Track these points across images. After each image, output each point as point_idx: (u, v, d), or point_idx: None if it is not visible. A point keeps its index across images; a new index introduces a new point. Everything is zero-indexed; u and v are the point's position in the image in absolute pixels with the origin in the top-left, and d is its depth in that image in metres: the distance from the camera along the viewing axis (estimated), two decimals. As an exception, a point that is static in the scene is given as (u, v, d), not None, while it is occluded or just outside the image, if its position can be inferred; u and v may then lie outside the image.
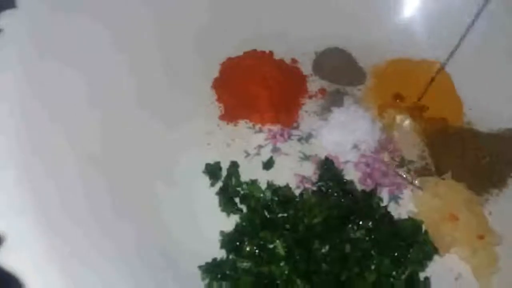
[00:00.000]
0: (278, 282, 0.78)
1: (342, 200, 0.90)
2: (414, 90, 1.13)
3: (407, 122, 1.09)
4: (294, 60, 1.16)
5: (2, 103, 0.72)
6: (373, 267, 0.82)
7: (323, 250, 0.82)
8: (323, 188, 0.93)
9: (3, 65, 0.79)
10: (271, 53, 1.14)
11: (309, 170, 1.01)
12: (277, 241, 0.82)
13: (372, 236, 0.85)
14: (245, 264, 0.80)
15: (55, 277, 0.60)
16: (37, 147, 0.73)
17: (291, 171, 1.01)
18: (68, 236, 0.68)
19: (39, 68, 0.84)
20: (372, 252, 0.83)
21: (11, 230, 0.58)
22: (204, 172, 0.99)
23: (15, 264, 0.57)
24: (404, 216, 0.94)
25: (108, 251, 0.76)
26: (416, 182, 1.01)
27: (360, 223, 0.86)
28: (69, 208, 0.73)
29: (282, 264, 0.79)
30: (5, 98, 0.73)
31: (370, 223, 0.87)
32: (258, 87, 1.08)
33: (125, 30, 1.01)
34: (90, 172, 0.85)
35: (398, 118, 1.09)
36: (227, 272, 0.81)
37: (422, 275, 0.87)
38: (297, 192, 0.96)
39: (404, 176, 1.02)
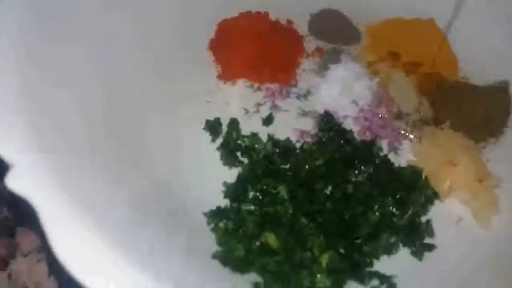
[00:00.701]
0: (284, 220, 0.78)
1: (344, 147, 0.90)
2: (408, 48, 1.14)
3: (403, 77, 1.10)
4: (289, 21, 1.16)
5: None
6: (376, 207, 0.83)
7: (326, 190, 0.82)
8: (323, 138, 0.94)
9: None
10: (266, 14, 1.15)
11: (308, 125, 1.02)
12: (280, 186, 0.83)
13: (374, 181, 0.86)
14: (249, 207, 0.81)
15: (64, 203, 0.60)
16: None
17: (291, 127, 1.01)
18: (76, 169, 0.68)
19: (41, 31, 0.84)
20: (375, 193, 0.84)
21: (19, 156, 0.58)
22: (204, 128, 0.99)
23: (25, 190, 0.57)
24: (404, 165, 0.96)
25: (117, 194, 0.76)
26: (414, 133, 1.02)
27: (362, 168, 0.87)
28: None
29: (286, 204, 0.80)
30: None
31: (371, 169, 0.87)
32: (255, 46, 1.08)
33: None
34: (94, 129, 0.86)
35: (393, 73, 1.10)
36: (232, 217, 0.82)
37: (423, 219, 0.89)
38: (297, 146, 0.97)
39: (402, 128, 1.03)
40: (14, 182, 0.57)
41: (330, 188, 0.83)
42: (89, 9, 0.96)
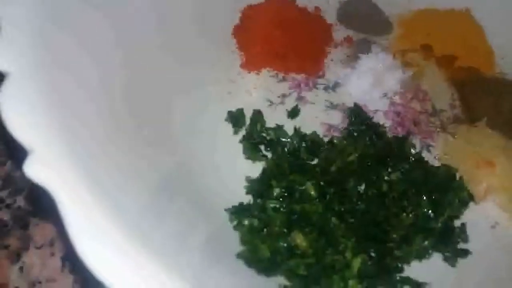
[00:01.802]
0: (313, 219, 0.73)
1: (376, 142, 0.85)
2: (442, 40, 1.09)
3: (436, 71, 1.04)
4: (317, 9, 1.11)
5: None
6: (410, 208, 0.78)
7: (358, 189, 0.77)
8: (354, 133, 0.89)
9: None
10: (293, 0, 1.09)
11: (337, 119, 0.97)
12: (308, 182, 0.78)
13: (408, 179, 0.81)
14: (275, 204, 0.76)
15: (84, 191, 0.56)
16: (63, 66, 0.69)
17: (318, 120, 0.96)
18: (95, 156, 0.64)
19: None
20: (409, 193, 0.79)
21: (39, 141, 0.54)
22: (226, 119, 0.94)
23: (44, 178, 0.53)
24: (437, 164, 0.90)
25: (136, 182, 0.72)
26: (449, 130, 0.96)
27: (395, 165, 0.82)
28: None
29: (315, 202, 0.75)
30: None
31: (405, 166, 0.82)
32: (281, 34, 1.03)
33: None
34: (115, 113, 0.82)
35: (427, 67, 1.05)
36: (256, 213, 0.77)
37: (457, 222, 0.84)
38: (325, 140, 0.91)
39: (436, 124, 0.98)
40: (33, 169, 0.53)
41: (363, 186, 0.77)
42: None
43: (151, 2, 0.98)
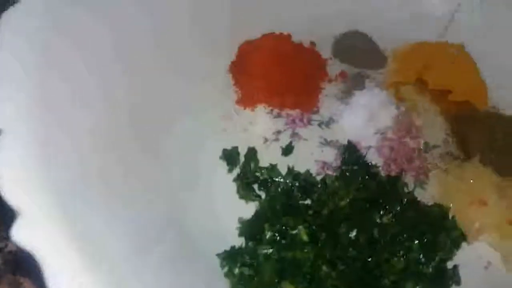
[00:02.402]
0: (303, 268, 0.74)
1: (369, 183, 0.86)
2: (436, 75, 1.09)
3: (430, 106, 1.05)
4: (312, 44, 1.12)
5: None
6: (401, 252, 0.78)
7: (350, 235, 0.78)
8: (347, 173, 0.89)
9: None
10: (289, 35, 1.10)
11: (330, 155, 0.98)
12: (300, 226, 0.79)
13: (399, 222, 0.82)
14: (266, 250, 0.77)
15: (71, 255, 0.57)
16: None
17: (312, 157, 0.97)
18: (83, 216, 0.65)
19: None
20: (401, 237, 0.80)
21: (26, 206, 0.56)
22: (221, 157, 0.95)
23: (30, 241, 0.54)
24: (430, 202, 0.91)
25: (124, 236, 0.73)
26: (442, 166, 0.97)
27: (387, 207, 0.83)
28: (83, 189, 0.71)
29: (306, 249, 0.76)
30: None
31: (397, 208, 0.83)
32: (276, 70, 1.04)
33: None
34: (107, 155, 0.84)
35: (421, 102, 1.05)
36: (247, 259, 0.78)
37: (450, 264, 0.84)
38: (318, 178, 0.92)
39: (429, 161, 0.98)
40: (21, 235, 0.54)
41: (354, 231, 0.78)
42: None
43: (152, 37, 1.00)
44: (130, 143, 0.89)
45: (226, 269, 0.78)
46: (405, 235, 0.80)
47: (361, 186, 0.85)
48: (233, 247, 0.81)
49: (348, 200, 0.81)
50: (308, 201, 0.87)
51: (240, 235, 0.84)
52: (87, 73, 0.83)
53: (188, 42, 1.06)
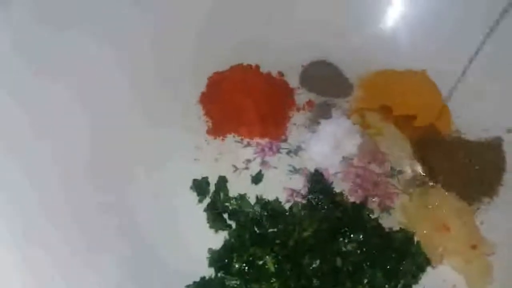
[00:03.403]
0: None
1: (333, 212, 0.88)
2: (401, 101, 1.12)
3: (395, 131, 1.08)
4: (280, 73, 1.15)
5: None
6: (365, 281, 0.80)
7: (314, 265, 0.80)
8: (313, 201, 0.92)
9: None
10: (257, 66, 1.13)
11: (299, 183, 1.00)
12: (267, 257, 0.80)
13: (364, 249, 0.84)
14: (234, 282, 0.78)
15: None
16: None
17: (281, 185, 1.00)
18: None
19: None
20: (364, 265, 0.82)
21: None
22: (191, 188, 0.97)
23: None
24: (396, 226, 0.93)
25: (90, 274, 0.75)
26: (407, 192, 1.00)
27: (351, 236, 0.85)
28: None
29: (272, 280, 0.77)
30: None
31: (361, 236, 0.85)
32: (246, 100, 1.07)
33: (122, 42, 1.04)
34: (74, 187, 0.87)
35: (386, 128, 1.09)
36: (216, 291, 0.79)
37: (415, 288, 0.86)
38: (287, 206, 0.94)
39: (395, 186, 1.01)
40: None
41: (318, 261, 0.80)
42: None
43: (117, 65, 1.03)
44: (101, 176, 0.92)
45: (195, 302, 0.79)
46: (368, 262, 0.81)
47: (326, 216, 0.86)
48: (202, 278, 0.82)
49: (311, 231, 0.83)
50: (275, 230, 0.89)
51: (209, 265, 0.85)
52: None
53: (160, 74, 1.09)
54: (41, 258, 0.79)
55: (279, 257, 0.80)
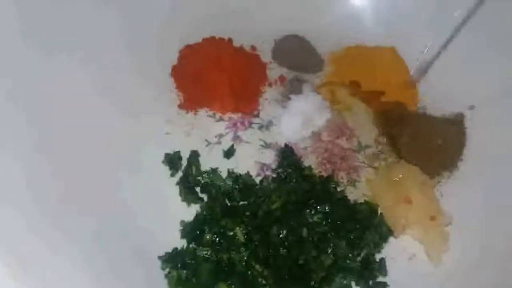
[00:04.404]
0: (237, 268, 0.79)
1: (300, 185, 0.91)
2: (369, 77, 1.15)
3: (362, 107, 1.11)
4: (253, 48, 1.16)
5: None
6: (329, 250, 0.85)
7: (281, 235, 0.83)
8: (282, 175, 0.95)
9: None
10: (230, 40, 1.14)
11: (270, 157, 1.03)
12: (237, 228, 0.84)
13: (329, 220, 0.88)
14: (205, 252, 0.81)
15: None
16: None
17: (252, 159, 1.02)
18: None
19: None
20: (329, 235, 0.86)
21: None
22: (163, 162, 0.98)
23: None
24: (361, 199, 0.98)
25: (65, 241, 0.77)
26: (372, 165, 1.04)
27: (318, 207, 0.88)
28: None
29: (241, 250, 0.81)
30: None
31: (327, 207, 0.89)
32: (218, 74, 1.08)
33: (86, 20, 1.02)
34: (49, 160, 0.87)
35: (354, 103, 1.12)
36: (187, 261, 0.82)
37: (377, 256, 0.91)
38: (258, 179, 0.97)
39: (361, 160, 1.05)
40: None
41: (285, 232, 0.84)
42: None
43: (91, 47, 1.02)
44: (76, 151, 0.92)
45: (166, 270, 0.81)
46: (333, 233, 0.85)
47: (293, 188, 0.90)
48: (175, 249, 0.85)
49: (280, 203, 0.86)
50: (246, 203, 0.92)
51: (182, 237, 0.88)
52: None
53: (131, 46, 1.08)
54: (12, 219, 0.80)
55: (249, 228, 0.83)
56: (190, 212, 0.93)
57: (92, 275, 0.79)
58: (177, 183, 0.96)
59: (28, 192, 0.83)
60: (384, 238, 0.92)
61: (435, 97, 1.13)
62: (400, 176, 0.99)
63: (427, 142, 1.07)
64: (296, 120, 1.05)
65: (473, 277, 0.91)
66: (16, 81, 0.90)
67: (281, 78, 1.13)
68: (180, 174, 0.98)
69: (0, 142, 0.84)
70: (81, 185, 0.91)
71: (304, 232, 0.84)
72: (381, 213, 0.95)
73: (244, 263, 0.80)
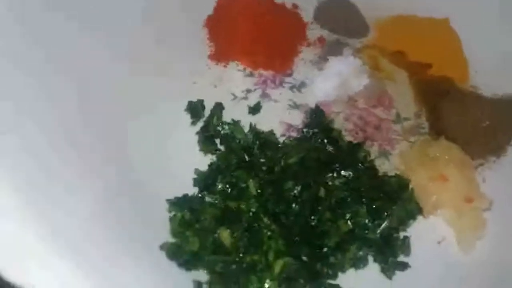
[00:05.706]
0: (244, 217, 0.74)
1: (325, 146, 0.84)
2: (418, 48, 1.07)
3: (406, 78, 1.03)
4: (295, 5, 1.09)
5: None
6: (348, 216, 0.77)
7: (295, 191, 0.77)
8: (306, 134, 0.88)
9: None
10: (271, -6, 1.08)
11: (298, 119, 0.96)
12: (251, 180, 0.78)
13: (351, 186, 0.80)
14: (213, 199, 0.76)
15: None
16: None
17: (278, 118, 0.96)
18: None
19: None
20: (349, 199, 0.79)
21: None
22: (186, 110, 0.94)
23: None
24: (392, 172, 0.90)
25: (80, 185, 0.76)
26: (409, 139, 0.95)
27: (341, 172, 0.81)
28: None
29: (251, 201, 0.75)
30: None
31: (351, 174, 0.81)
32: (253, 28, 1.02)
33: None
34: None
35: (397, 73, 1.03)
36: (194, 207, 0.77)
37: (401, 235, 0.83)
38: (281, 140, 0.91)
39: (397, 132, 0.96)
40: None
41: (299, 188, 0.77)
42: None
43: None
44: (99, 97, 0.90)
45: (172, 214, 0.77)
46: (354, 198, 0.78)
47: (315, 148, 0.83)
48: (185, 195, 0.80)
49: (297, 158, 0.79)
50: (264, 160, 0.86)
51: (194, 185, 0.83)
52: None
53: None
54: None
55: (262, 182, 0.77)
56: (206, 162, 0.88)
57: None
58: (197, 132, 0.91)
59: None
60: (412, 216, 0.84)
61: (487, 76, 1.03)
62: (438, 153, 0.90)
63: (473, 121, 0.97)
64: (332, 81, 0.97)
65: (506, 273, 0.81)
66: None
67: (321, 40, 1.06)
68: (201, 124, 0.93)
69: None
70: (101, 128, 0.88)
71: (322, 191, 0.77)
72: (412, 189, 0.86)
73: (251, 213, 0.74)
